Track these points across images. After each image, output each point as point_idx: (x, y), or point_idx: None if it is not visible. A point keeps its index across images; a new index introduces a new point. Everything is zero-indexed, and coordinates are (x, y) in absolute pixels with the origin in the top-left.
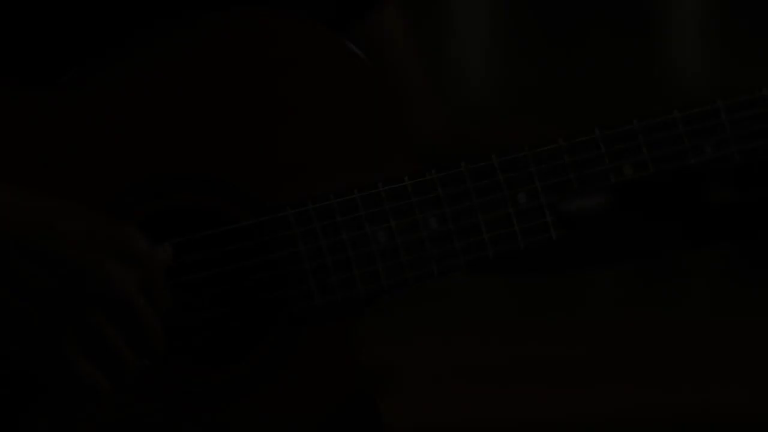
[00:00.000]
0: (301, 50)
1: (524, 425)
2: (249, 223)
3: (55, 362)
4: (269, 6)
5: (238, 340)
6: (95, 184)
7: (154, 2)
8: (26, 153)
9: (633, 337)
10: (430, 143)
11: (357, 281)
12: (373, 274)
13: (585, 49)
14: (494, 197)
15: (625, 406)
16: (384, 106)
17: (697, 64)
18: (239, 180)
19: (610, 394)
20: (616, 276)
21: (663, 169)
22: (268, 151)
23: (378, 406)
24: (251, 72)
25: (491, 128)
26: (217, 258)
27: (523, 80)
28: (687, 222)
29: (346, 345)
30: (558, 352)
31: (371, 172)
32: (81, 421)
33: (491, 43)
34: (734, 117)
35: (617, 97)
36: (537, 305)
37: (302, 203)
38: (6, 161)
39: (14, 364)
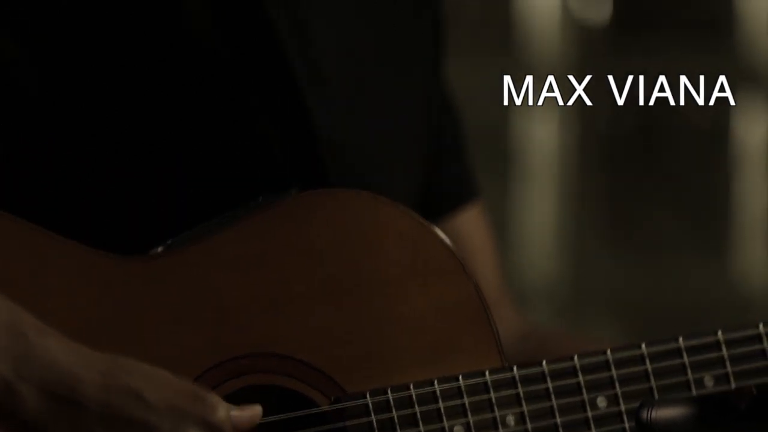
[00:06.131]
0: (391, 234)
1: None
2: (329, 408)
3: None
4: None
5: None
6: (181, 360)
7: (241, 186)
8: (118, 321)
9: None
10: (510, 337)
11: None
12: None
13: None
14: (573, 399)
15: None
16: (471, 299)
17: None
18: (320, 363)
19: None
20: None
21: (744, 385)
22: (351, 335)
23: None
24: (338, 253)
25: (572, 329)
26: None
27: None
28: None
29: None
30: None
31: (454, 366)
32: None
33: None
34: None
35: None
36: None
37: (382, 391)
38: (99, 328)
39: None
